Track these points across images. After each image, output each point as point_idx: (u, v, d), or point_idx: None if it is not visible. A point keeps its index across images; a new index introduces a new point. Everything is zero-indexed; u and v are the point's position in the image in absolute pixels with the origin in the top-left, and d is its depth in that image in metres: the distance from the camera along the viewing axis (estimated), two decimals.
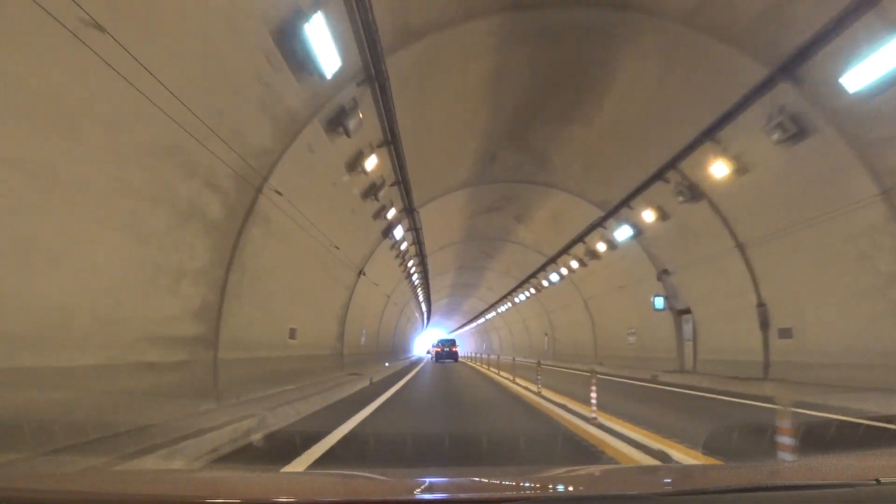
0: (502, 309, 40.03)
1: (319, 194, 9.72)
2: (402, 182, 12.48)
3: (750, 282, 12.10)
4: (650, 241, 15.42)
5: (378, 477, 1.95)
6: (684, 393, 10.82)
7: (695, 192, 12.14)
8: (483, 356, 29.46)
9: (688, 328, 15.58)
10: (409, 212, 15.03)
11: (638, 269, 17.10)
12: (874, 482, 1.34)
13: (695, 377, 13.60)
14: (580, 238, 18.86)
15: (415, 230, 17.14)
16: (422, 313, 43.28)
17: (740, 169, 10.52)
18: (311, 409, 7.58)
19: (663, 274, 15.86)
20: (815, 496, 1.35)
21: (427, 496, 1.65)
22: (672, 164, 11.99)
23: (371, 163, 9.94)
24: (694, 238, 13.59)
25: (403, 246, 17.17)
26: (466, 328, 63.99)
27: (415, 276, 24.40)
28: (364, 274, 15.26)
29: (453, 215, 19.01)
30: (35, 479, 2.01)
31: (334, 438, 5.31)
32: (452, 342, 36.93)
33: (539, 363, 10.89)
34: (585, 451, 4.84)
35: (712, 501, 1.34)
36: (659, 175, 12.58)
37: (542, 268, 25.07)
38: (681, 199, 12.37)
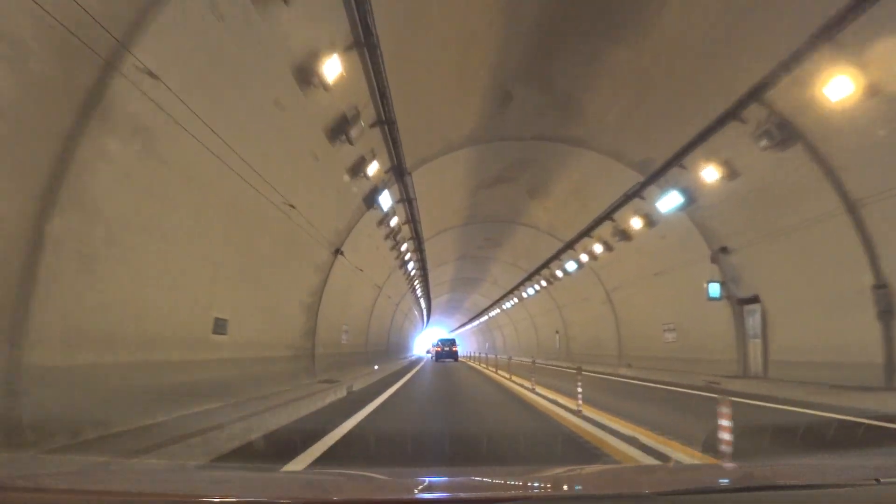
0: (508, 305, 36.78)
1: (253, 113, 6.45)
2: (387, 122, 9.22)
3: (863, 255, 8.82)
4: (706, 210, 12.13)
5: (378, 476, 1.89)
6: (808, 415, 7.44)
7: (786, 131, 8.85)
8: (490, 356, 26.30)
9: (753, 322, 12.31)
10: (398, 173, 11.77)
11: (684, 248, 13.83)
12: (874, 482, 1.33)
13: (775, 385, 10.32)
14: (608, 214, 15.57)
15: (408, 202, 13.88)
16: (421, 310, 40.12)
17: (873, 85, 7.25)
18: (205, 454, 4.32)
19: (721, 253, 12.58)
20: (815, 496, 1.34)
21: (427, 495, 1.64)
22: (755, 93, 8.70)
23: (333, 69, 6.67)
24: (773, 201, 10.31)
25: (394, 222, 13.91)
26: (468, 327, 60.82)
27: (411, 266, 21.13)
28: (342, 253, 12.01)
29: (454, 187, 15.72)
30: (34, 478, 1.92)
31: None
32: (452, 342, 36.84)
33: (580, 369, 7.61)
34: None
35: (712, 501, 1.33)
36: (733, 112, 9.29)
37: (557, 255, 21.79)
38: (764, 143, 9.10)
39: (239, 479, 2.01)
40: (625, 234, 15.79)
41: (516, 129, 12.32)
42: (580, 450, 4.85)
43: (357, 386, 11.59)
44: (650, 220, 14.27)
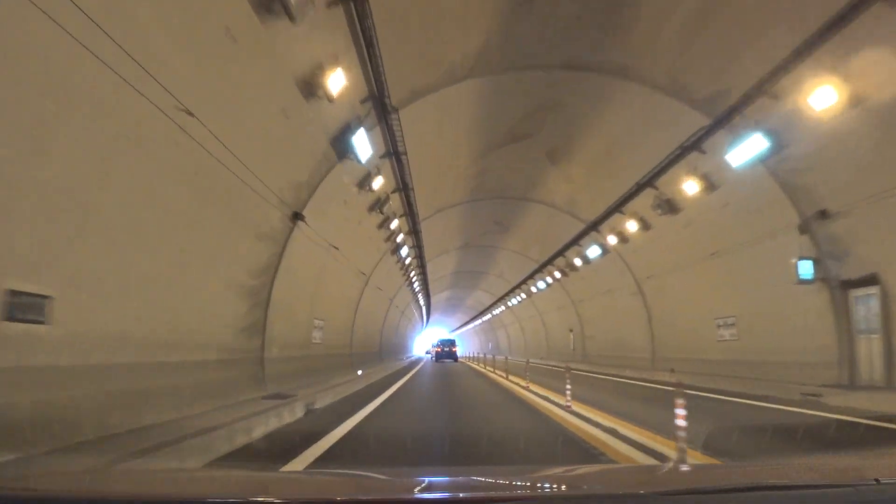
0: (514, 302, 33.57)
1: None
2: None
3: None
4: (801, 159, 8.89)
5: (378, 476, 1.91)
6: None
7: None
8: (498, 357, 23.12)
9: (865, 311, 9.06)
10: (380, 107, 8.55)
11: (757, 217, 10.61)
12: (874, 482, 1.31)
13: None
14: (651, 179, 12.36)
15: (395, 157, 10.64)
16: (419, 308, 36.96)
17: None
18: None
19: (818, 219, 9.33)
20: (815, 496, 1.33)
21: (427, 495, 1.63)
22: None
23: None
24: None
25: (378, 184, 10.67)
26: (470, 326, 57.78)
27: (405, 252, 17.87)
28: (304, 220, 8.79)
29: (456, 141, 12.41)
30: (34, 479, 1.89)
31: None
32: (452, 342, 36.51)
33: (681, 386, 4.30)
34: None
35: (712, 501, 1.31)
36: None
37: (576, 240, 18.57)
38: None
39: (239, 479, 1.95)
40: (670, 206, 12.56)
41: (540, 50, 9.05)
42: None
43: (323, 402, 8.40)
44: (710, 183, 11.03)
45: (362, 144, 8.68)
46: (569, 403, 7.70)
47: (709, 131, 9.80)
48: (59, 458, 3.46)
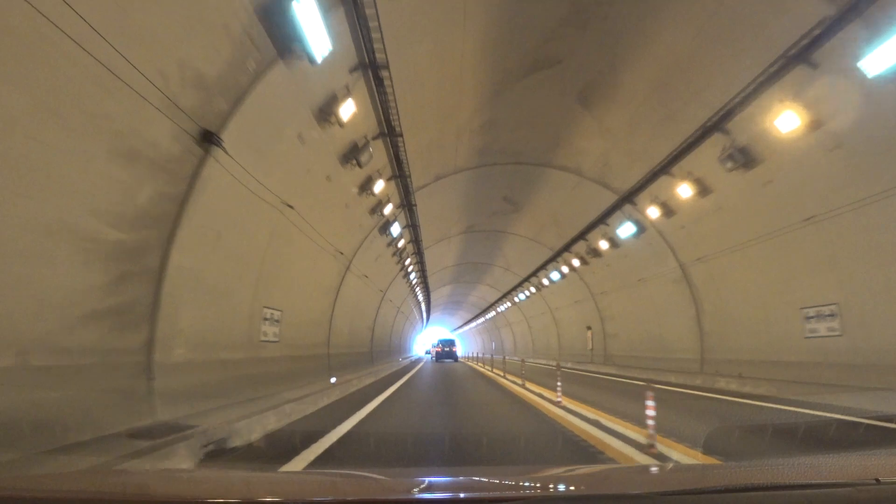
0: (521, 297, 30.40)
1: None
2: None
3: None
4: None
5: (378, 476, 1.89)
6: None
7: None
8: (513, 359, 19.91)
9: None
10: None
11: (891, 161, 7.43)
12: (874, 482, 1.31)
13: None
14: (719, 122, 9.18)
15: (373, 71, 7.43)
16: (418, 303, 33.81)
17: None
18: None
19: None
20: (815, 496, 1.31)
21: (427, 495, 1.62)
22: None
23: None
24: None
25: (349, 111, 7.48)
26: (472, 325, 54.74)
27: (396, 231, 14.64)
28: (221, 146, 5.61)
29: (462, 67, 8.99)
30: (34, 479, 1.90)
31: None
32: (452, 342, 35.99)
33: None
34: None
35: (712, 501, 1.30)
36: None
37: (604, 218, 15.39)
38: None
39: (238, 479, 1.94)
40: (746, 156, 9.42)
41: None
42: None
43: (251, 433, 5.25)
44: (816, 117, 7.89)
45: (313, 26, 5.51)
46: (651, 441, 4.54)
47: (830, 27, 6.62)
48: (59, 458, 3.30)
